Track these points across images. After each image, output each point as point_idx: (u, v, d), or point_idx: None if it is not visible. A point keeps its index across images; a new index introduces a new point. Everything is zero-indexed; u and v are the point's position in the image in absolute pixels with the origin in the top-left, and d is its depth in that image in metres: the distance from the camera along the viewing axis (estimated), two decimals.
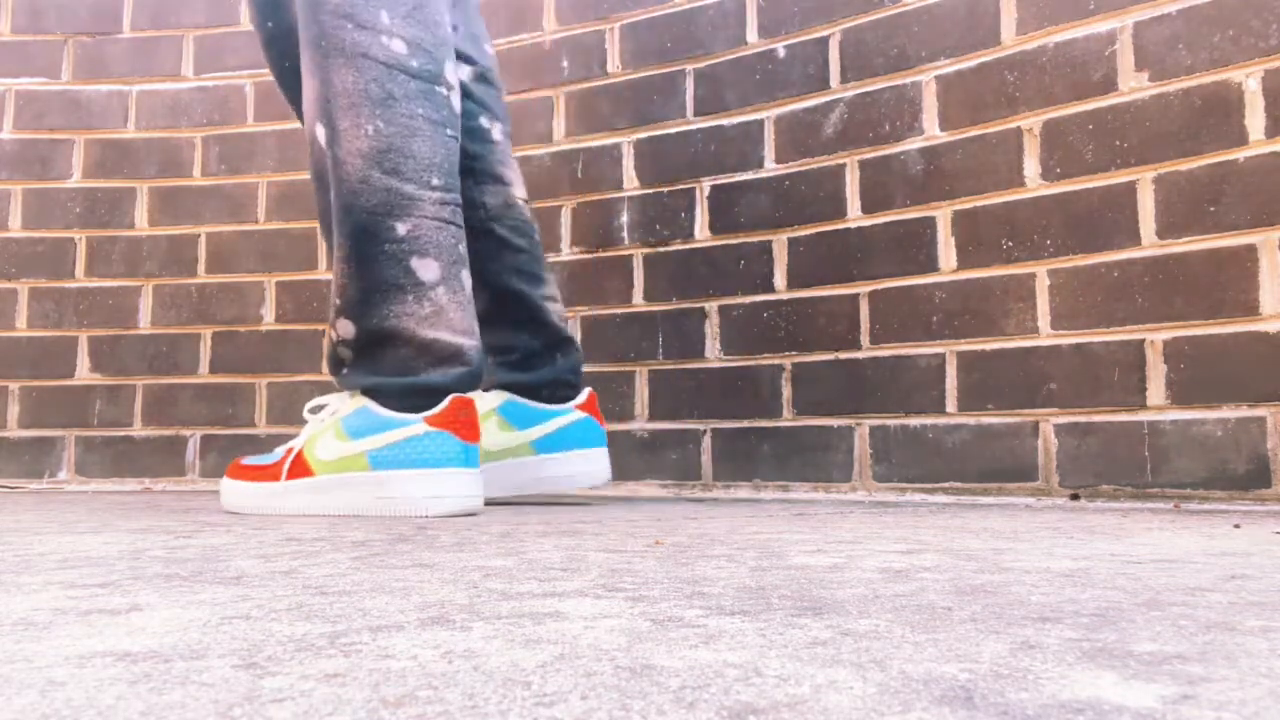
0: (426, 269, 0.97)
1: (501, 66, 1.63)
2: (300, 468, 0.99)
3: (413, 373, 0.97)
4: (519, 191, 1.23)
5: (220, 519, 0.90)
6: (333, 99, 0.97)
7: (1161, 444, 1.07)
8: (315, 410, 1.07)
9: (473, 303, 1.01)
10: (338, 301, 0.99)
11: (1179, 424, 1.06)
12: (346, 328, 0.99)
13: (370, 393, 0.98)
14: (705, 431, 1.41)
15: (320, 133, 0.99)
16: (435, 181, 0.98)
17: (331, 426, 0.99)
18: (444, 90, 1.00)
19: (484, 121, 1.21)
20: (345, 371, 1.01)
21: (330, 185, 0.99)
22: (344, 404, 1.00)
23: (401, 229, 0.96)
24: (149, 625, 0.34)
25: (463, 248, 1.01)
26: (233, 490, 1.03)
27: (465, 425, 0.97)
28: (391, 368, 0.97)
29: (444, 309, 0.97)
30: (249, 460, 1.04)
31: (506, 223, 1.20)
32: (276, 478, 1.00)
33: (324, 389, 1.64)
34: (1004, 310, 1.19)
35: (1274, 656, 0.29)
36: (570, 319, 1.30)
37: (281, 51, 1.11)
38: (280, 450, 1.03)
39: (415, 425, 0.95)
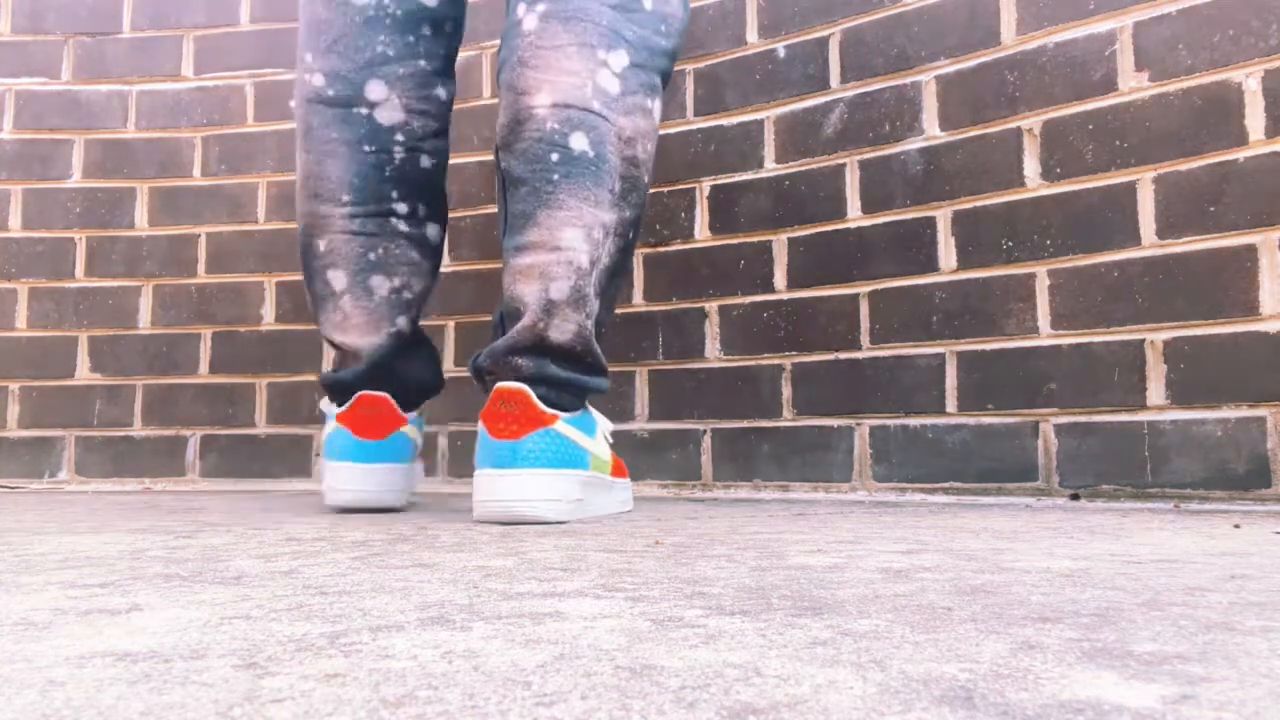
0: (337, 279, 1.05)
1: None
2: None
3: (334, 370, 1.08)
4: (541, 99, 0.91)
5: (220, 519, 0.90)
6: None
7: (1161, 444, 1.07)
8: None
9: (383, 302, 1.05)
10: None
11: (1179, 424, 1.06)
12: None
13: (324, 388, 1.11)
14: (705, 431, 1.41)
15: None
16: (345, 198, 1.04)
17: None
18: (363, 110, 1.05)
19: (519, 10, 0.96)
20: None
21: None
22: None
23: (322, 245, 1.05)
24: (149, 625, 0.34)
25: (373, 254, 1.05)
26: None
27: (360, 420, 1.04)
28: (330, 366, 1.10)
29: (349, 314, 1.05)
30: None
31: (513, 154, 0.93)
32: None
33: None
34: (1004, 310, 1.19)
35: (1274, 656, 0.29)
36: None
37: None
38: None
39: (331, 421, 1.07)
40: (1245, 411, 1.03)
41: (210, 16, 1.75)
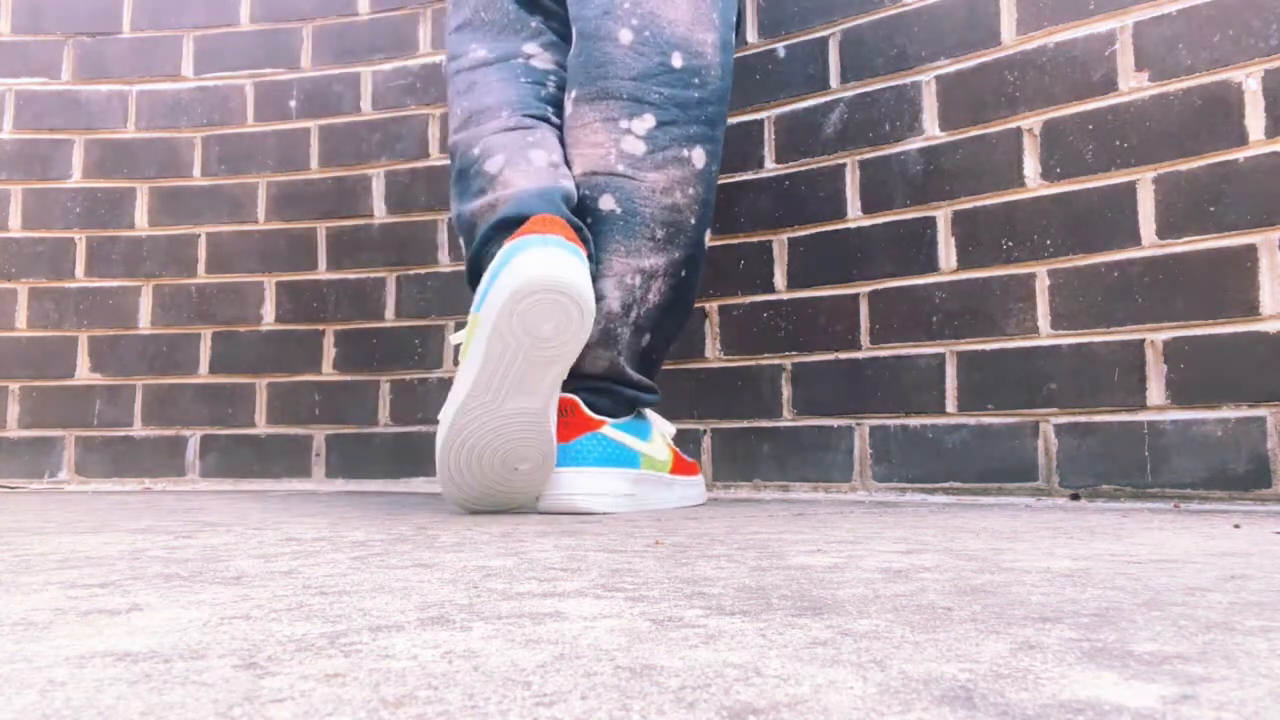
0: (494, 164, 1.03)
1: None
2: None
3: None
4: (575, 171, 1.06)
5: (220, 519, 0.90)
6: None
7: (1161, 444, 1.07)
8: None
9: (544, 168, 1.02)
10: None
11: (1179, 424, 1.06)
12: None
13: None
14: (705, 431, 1.41)
15: None
16: (504, 112, 1.08)
17: None
18: (520, 59, 1.13)
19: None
20: None
21: None
22: None
23: (477, 150, 1.05)
24: (149, 625, 0.34)
25: (531, 137, 1.05)
26: None
27: (538, 226, 0.90)
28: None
29: (510, 179, 1.01)
30: None
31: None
32: None
33: (323, 389, 1.64)
34: (1004, 310, 1.19)
35: (1274, 656, 0.29)
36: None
37: None
38: None
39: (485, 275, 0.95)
40: (1245, 411, 1.03)
41: (210, 16, 1.75)
